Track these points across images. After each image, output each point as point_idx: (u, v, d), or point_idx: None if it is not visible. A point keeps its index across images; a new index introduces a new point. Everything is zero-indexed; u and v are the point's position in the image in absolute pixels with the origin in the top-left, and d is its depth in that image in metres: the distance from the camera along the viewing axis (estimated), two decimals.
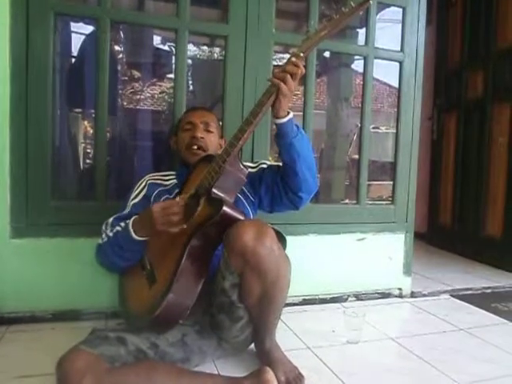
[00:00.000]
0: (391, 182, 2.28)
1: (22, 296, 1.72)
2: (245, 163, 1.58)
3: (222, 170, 1.29)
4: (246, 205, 1.51)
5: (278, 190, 1.46)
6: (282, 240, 1.33)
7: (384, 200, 5.79)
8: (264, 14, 1.94)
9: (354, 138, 5.55)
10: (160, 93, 5.83)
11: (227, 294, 1.30)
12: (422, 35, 2.20)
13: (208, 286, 1.32)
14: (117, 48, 4.33)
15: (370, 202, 2.35)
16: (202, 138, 1.55)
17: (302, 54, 1.25)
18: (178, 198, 1.28)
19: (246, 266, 1.20)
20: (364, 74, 2.17)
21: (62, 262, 1.75)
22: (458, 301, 2.24)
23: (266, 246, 1.18)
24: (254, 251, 1.16)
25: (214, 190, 1.30)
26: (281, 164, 1.45)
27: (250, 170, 1.53)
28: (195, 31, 1.96)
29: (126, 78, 3.88)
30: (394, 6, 2.21)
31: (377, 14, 2.23)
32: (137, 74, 3.94)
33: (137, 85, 4.20)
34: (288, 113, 1.31)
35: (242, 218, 1.26)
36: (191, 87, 4.56)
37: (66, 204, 1.83)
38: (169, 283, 1.24)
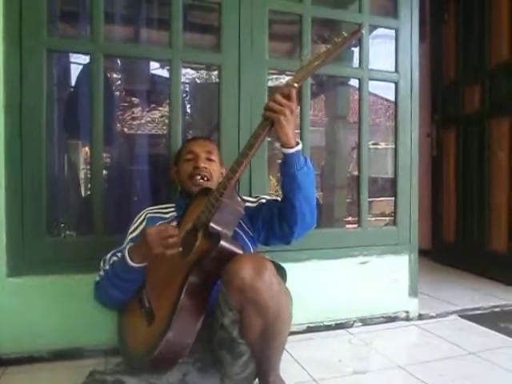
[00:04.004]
0: (393, 198, 2.25)
1: (19, 336, 1.69)
2: (244, 197, 1.58)
3: (219, 204, 1.27)
4: (246, 240, 1.48)
5: (273, 223, 1.45)
6: (281, 272, 1.30)
7: (386, 216, 5.78)
8: (257, 41, 1.95)
9: (354, 155, 5.54)
10: (159, 117, 5.85)
11: (227, 331, 1.26)
12: (416, 55, 2.21)
13: (208, 320, 1.29)
14: (114, 75, 4.36)
15: (373, 218, 2.31)
16: (205, 167, 1.54)
17: (295, 85, 1.24)
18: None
19: (245, 302, 1.17)
20: (359, 96, 2.17)
21: (60, 299, 1.72)
22: (467, 321, 2.19)
23: (265, 280, 1.15)
24: (253, 287, 1.13)
25: (212, 224, 1.27)
26: (279, 199, 1.43)
27: (249, 204, 1.53)
28: (189, 61, 1.96)
29: (123, 106, 3.89)
30: (386, 28, 2.22)
31: (370, 33, 2.24)
32: (133, 101, 3.96)
33: (134, 113, 4.21)
34: (297, 143, 1.30)
35: (240, 252, 1.23)
36: (188, 110, 4.58)
37: (62, 240, 1.82)
38: (167, 321, 1.21)
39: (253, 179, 1.96)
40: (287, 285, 1.35)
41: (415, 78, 2.21)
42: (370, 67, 2.13)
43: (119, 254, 1.36)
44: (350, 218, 4.78)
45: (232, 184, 1.28)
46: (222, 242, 1.20)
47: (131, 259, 1.28)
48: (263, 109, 1.27)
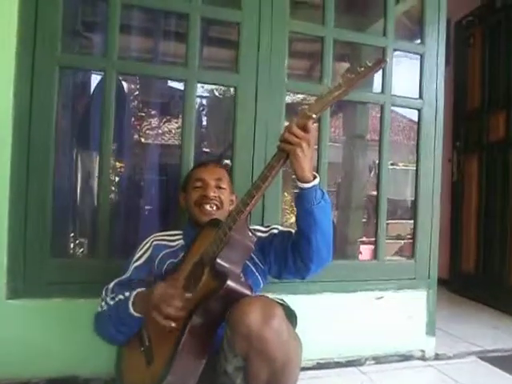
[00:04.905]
0: (409, 221, 2.15)
1: (16, 361, 1.62)
2: (255, 227, 1.50)
3: (227, 238, 1.20)
4: (256, 273, 1.41)
5: (287, 257, 1.35)
6: (291, 315, 1.21)
7: (402, 239, 5.64)
8: (276, 62, 1.88)
9: (371, 174, 5.43)
10: (176, 128, 5.81)
11: (230, 378, 1.18)
12: (442, 82, 2.11)
13: (212, 360, 1.21)
14: (132, 86, 4.35)
15: (388, 241, 2.19)
16: (215, 196, 1.47)
17: (313, 116, 1.16)
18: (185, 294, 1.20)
19: (251, 351, 1.08)
20: (381, 122, 2.07)
21: (61, 324, 1.65)
22: (488, 365, 2.05)
23: (273, 328, 1.05)
24: (260, 335, 1.04)
25: (219, 261, 1.19)
26: (292, 231, 1.35)
27: (260, 234, 1.45)
28: (204, 81, 1.90)
29: (138, 120, 3.86)
30: (411, 53, 2.13)
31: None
32: (148, 114, 3.93)
33: (149, 127, 4.18)
34: (315, 177, 1.21)
35: (248, 292, 1.15)
36: (204, 123, 4.53)
37: (66, 262, 1.75)
38: (167, 364, 1.13)
39: (266, 196, 1.86)
40: (299, 319, 1.29)
41: (440, 106, 2.11)
42: (392, 93, 2.05)
43: (126, 294, 1.29)
44: (364, 239, 4.68)
45: (242, 217, 1.20)
46: (229, 283, 1.12)
47: (134, 307, 1.23)
48: (279, 140, 1.20)
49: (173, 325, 1.12)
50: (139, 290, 1.27)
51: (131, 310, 1.22)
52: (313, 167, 1.24)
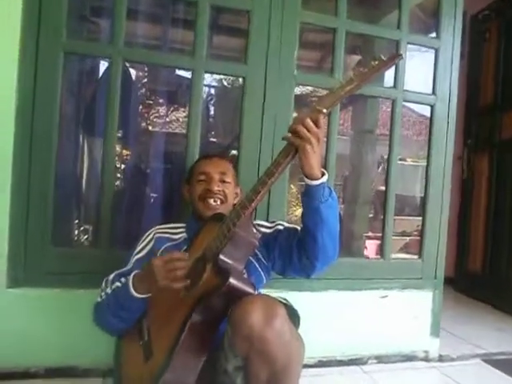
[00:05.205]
0: (415, 217, 2.11)
1: (15, 350, 1.61)
2: (260, 222, 1.48)
3: (231, 234, 1.16)
4: (259, 269, 1.38)
5: (292, 254, 1.31)
6: (293, 315, 1.19)
7: (408, 235, 5.60)
8: (286, 54, 1.83)
9: (380, 169, 5.37)
10: (183, 117, 5.76)
11: (230, 377, 1.16)
12: (456, 78, 2.05)
13: (212, 357, 1.18)
14: (140, 73, 4.30)
15: (394, 237, 2.15)
16: (219, 190, 1.43)
17: (324, 111, 1.11)
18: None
19: (252, 351, 1.05)
20: (392, 117, 2.02)
21: (60, 314, 1.64)
22: (491, 367, 2.02)
23: (275, 329, 1.02)
24: (261, 337, 1.01)
25: (222, 257, 1.16)
26: (298, 227, 1.32)
27: (265, 230, 1.42)
28: (212, 71, 1.86)
29: (145, 108, 3.83)
30: (425, 46, 2.07)
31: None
32: (156, 104, 3.89)
33: (159, 111, 4.14)
34: (323, 174, 1.16)
35: (250, 290, 1.12)
36: (212, 112, 4.48)
37: (67, 252, 1.73)
38: (166, 361, 1.11)
39: (272, 192, 1.81)
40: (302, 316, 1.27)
41: (453, 102, 2.05)
42: (405, 88, 1.99)
43: (123, 280, 1.27)
44: (370, 234, 4.65)
45: (247, 213, 1.16)
46: (232, 280, 1.09)
47: (135, 289, 1.20)
48: (288, 130, 1.14)
49: (185, 283, 1.14)
50: (136, 271, 1.25)
51: (132, 291, 1.19)
52: (321, 163, 1.20)
